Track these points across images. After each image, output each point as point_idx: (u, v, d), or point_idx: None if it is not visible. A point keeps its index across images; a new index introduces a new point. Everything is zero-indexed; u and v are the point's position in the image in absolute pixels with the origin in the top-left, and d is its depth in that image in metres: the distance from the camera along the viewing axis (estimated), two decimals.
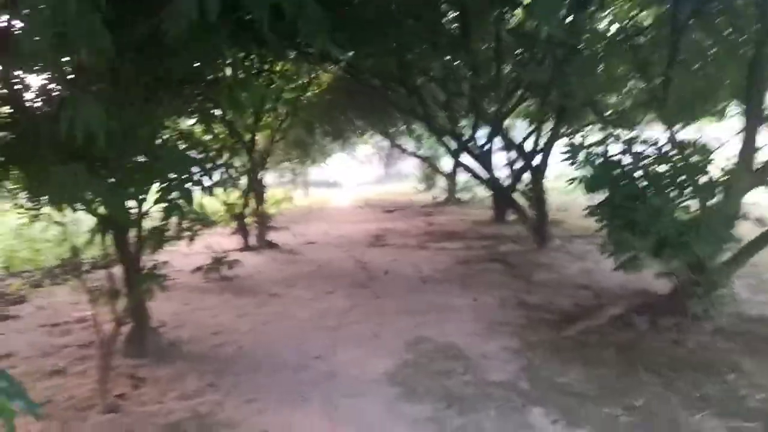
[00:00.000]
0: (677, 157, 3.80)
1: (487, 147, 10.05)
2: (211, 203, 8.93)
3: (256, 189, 10.42)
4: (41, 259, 7.81)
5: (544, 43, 5.60)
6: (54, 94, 3.56)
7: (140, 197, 3.39)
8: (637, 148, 3.91)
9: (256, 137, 10.57)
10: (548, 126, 9.21)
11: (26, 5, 2.22)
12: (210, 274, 7.12)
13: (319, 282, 6.79)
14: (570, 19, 4.75)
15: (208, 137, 9.71)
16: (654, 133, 4.46)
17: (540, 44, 7.33)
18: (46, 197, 2.76)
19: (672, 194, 3.70)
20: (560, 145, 8.16)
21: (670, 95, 4.82)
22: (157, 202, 3.17)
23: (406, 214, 15.81)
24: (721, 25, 5.05)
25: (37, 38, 2.20)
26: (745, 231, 4.22)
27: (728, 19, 4.84)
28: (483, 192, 17.58)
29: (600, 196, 4.06)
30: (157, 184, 3.13)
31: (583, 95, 4.61)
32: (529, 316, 4.88)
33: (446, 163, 21.70)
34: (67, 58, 3.08)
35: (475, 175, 9.48)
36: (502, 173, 9.82)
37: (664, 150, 3.87)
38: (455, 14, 7.78)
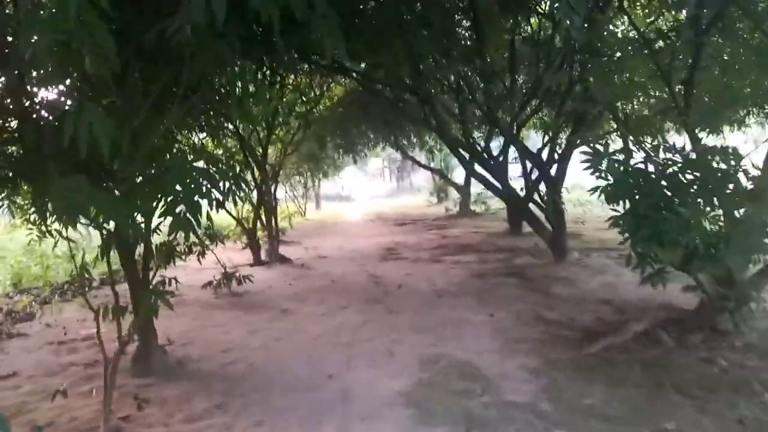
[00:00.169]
0: (705, 164, 3.62)
1: (501, 157, 9.91)
2: (223, 217, 8.88)
3: (268, 203, 10.34)
4: (51, 276, 7.75)
5: (564, 47, 5.48)
6: (59, 104, 3.50)
7: (147, 211, 3.28)
8: (662, 155, 3.74)
9: (268, 151, 10.52)
10: (563, 136, 9.08)
11: (24, 8, 2.14)
12: (220, 289, 7.01)
13: (331, 297, 6.65)
14: (589, 23, 4.61)
15: (219, 151, 9.75)
16: (675, 141, 4.28)
17: (557, 50, 7.22)
18: (50, 211, 2.66)
19: (700, 203, 3.51)
20: (577, 155, 8.09)
21: (692, 102, 4.65)
22: (162, 215, 3.05)
23: (418, 227, 15.68)
24: (744, 30, 4.90)
25: (36, 43, 2.11)
26: None
27: (752, 24, 4.68)
28: (497, 204, 17.45)
29: (621, 207, 3.90)
30: (165, 197, 3.02)
31: (604, 101, 4.45)
32: (549, 332, 4.68)
33: (459, 176, 21.61)
34: (71, 67, 3.01)
35: (490, 187, 9.31)
36: (516, 184, 9.65)
37: (690, 157, 3.70)
38: (468, 23, 7.71)
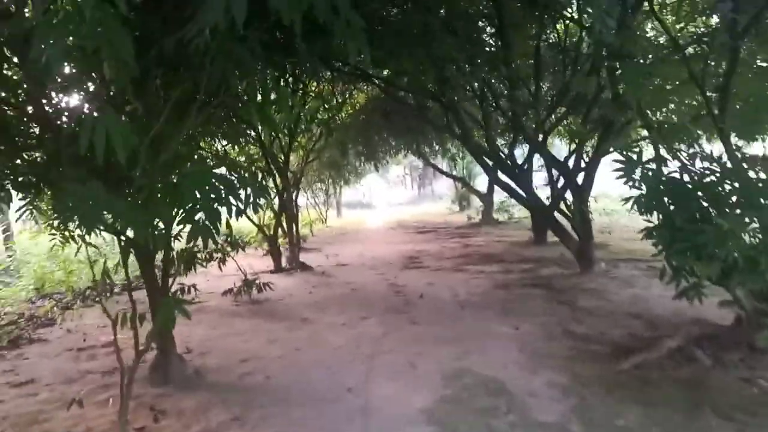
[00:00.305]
0: (744, 174, 3.44)
1: (525, 165, 9.75)
2: (244, 224, 8.86)
3: (289, 210, 10.31)
4: (74, 281, 7.79)
5: (593, 52, 5.34)
6: (79, 111, 3.48)
7: (166, 219, 3.22)
8: (699, 164, 3.57)
9: (290, 158, 10.50)
10: (590, 143, 8.89)
11: (38, 10, 2.09)
12: (240, 296, 6.96)
13: (352, 306, 6.55)
14: (620, 27, 4.46)
15: (242, 158, 9.77)
16: (708, 149, 4.10)
17: (585, 56, 7.07)
18: (68, 217, 2.61)
19: (740, 215, 3.33)
20: (604, 164, 7.89)
21: (727, 109, 4.46)
22: (180, 223, 2.99)
23: (440, 236, 15.52)
24: None
25: (51, 48, 2.05)
26: None
27: None
28: (520, 212, 17.22)
29: (654, 218, 3.73)
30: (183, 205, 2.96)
31: (636, 107, 4.29)
32: (578, 347, 4.50)
33: (481, 184, 21.43)
34: (90, 73, 2.98)
35: (514, 195, 9.15)
36: (540, 193, 9.47)
37: (729, 166, 3.52)
38: (493, 30, 7.61)
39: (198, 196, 2.83)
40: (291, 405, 3.62)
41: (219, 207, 2.98)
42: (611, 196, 17.17)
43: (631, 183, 3.55)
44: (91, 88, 3.37)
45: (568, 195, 8.30)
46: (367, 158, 17.13)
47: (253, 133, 9.05)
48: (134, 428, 3.29)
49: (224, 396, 3.82)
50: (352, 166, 20.29)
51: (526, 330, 5.08)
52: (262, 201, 3.23)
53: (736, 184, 3.35)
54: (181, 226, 3.01)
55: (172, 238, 3.65)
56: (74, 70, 3.04)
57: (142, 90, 3.52)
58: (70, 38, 2.21)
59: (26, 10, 2.98)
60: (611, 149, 7.56)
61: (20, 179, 3.78)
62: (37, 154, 4.10)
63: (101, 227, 2.65)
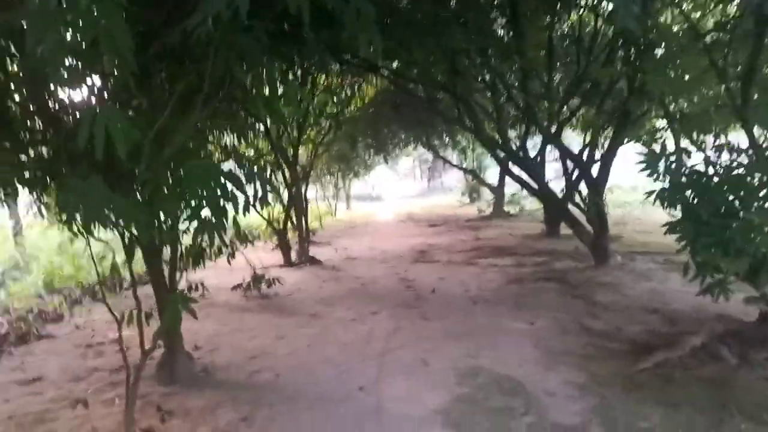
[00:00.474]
0: None
1: (539, 158, 9.60)
2: (253, 217, 8.78)
3: (298, 203, 10.22)
4: (83, 276, 7.74)
5: (611, 41, 5.16)
6: (82, 105, 3.39)
7: (171, 215, 3.13)
8: (725, 156, 3.42)
9: (299, 151, 10.41)
10: (605, 135, 8.72)
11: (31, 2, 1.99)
12: (250, 291, 6.89)
13: (362, 301, 6.45)
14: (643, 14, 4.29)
15: (251, 152, 9.68)
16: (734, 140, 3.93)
17: (602, 45, 6.88)
18: (69, 213, 2.53)
19: None
20: (620, 155, 7.72)
21: (750, 98, 4.28)
22: (186, 220, 2.90)
23: (451, 228, 15.38)
24: None
25: (46, 41, 1.95)
26: None
27: None
28: (532, 205, 17.02)
29: (675, 212, 3.59)
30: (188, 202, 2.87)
31: (658, 96, 4.12)
32: (595, 344, 4.37)
33: (491, 176, 21.24)
34: (90, 67, 2.88)
35: (526, 187, 9.00)
36: (553, 185, 9.31)
37: (757, 158, 3.37)
38: (505, 20, 7.45)
39: (203, 192, 2.74)
40: (300, 405, 3.53)
41: (226, 203, 2.89)
42: (623, 187, 16.95)
43: (655, 177, 3.40)
44: (96, 83, 3.26)
45: (582, 187, 8.13)
46: (377, 151, 17.00)
47: (261, 127, 8.95)
48: (140, 428, 3.22)
49: (233, 395, 3.74)
50: (361, 158, 20.18)
51: (541, 326, 4.96)
52: (270, 196, 3.14)
53: (765, 177, 3.19)
54: (189, 222, 2.93)
55: (181, 234, 3.58)
56: (74, 64, 2.93)
57: (147, 84, 3.43)
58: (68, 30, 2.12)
59: None
60: (627, 140, 7.40)
61: (26, 175, 3.70)
62: (44, 149, 4.03)
63: (103, 224, 2.55)
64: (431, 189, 37.57)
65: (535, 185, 8.65)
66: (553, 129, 8.39)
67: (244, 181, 2.94)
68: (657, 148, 3.45)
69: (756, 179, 3.28)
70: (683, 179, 3.41)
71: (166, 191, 2.95)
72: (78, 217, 2.33)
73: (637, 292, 5.91)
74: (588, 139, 8.96)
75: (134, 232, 3.05)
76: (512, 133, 12.64)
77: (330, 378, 4.00)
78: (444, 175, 33.27)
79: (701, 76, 4.10)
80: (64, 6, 1.99)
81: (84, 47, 2.44)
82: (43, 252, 8.86)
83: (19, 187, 3.69)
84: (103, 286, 7.02)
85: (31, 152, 3.81)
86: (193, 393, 3.78)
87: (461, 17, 6.33)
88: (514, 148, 9.63)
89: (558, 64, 8.76)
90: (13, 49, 3.10)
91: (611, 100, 8.27)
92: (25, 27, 2.26)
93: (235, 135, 8.04)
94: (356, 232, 16.44)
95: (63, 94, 3.52)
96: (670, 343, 3.97)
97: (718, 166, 3.44)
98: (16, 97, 3.51)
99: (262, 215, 8.33)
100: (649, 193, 3.52)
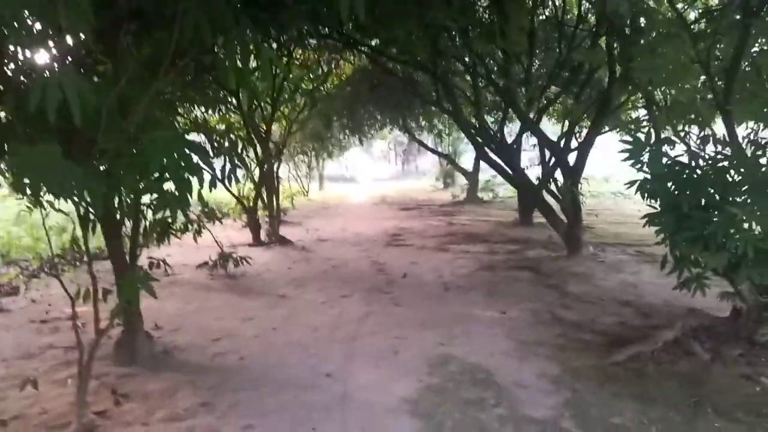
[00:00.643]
0: (756, 160, 3.23)
1: (515, 144, 9.53)
2: (222, 194, 8.51)
3: (269, 181, 9.97)
4: (42, 248, 7.40)
5: (597, 26, 5.05)
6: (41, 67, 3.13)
7: (130, 187, 2.92)
8: (710, 148, 3.35)
9: (272, 128, 10.13)
10: (583, 123, 8.70)
11: None
12: (216, 270, 6.68)
13: (332, 284, 6.31)
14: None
15: (222, 126, 9.36)
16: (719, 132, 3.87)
17: (585, 30, 6.77)
18: (16, 181, 2.32)
19: (751, 203, 3.12)
20: (597, 145, 7.68)
21: (734, 90, 4.22)
22: (146, 192, 2.70)
23: (424, 213, 15.30)
24: None
25: None
26: None
27: None
28: (505, 192, 17.05)
29: (655, 203, 3.52)
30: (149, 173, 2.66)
31: (645, 84, 4.03)
32: (567, 334, 4.32)
33: (466, 161, 21.21)
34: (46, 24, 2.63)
35: (502, 173, 8.92)
36: (530, 173, 9.27)
37: (741, 151, 3.30)
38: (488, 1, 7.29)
39: (166, 163, 2.54)
40: (264, 390, 3.38)
41: (190, 176, 2.69)
42: (596, 177, 17.10)
43: (638, 167, 3.31)
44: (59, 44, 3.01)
45: (558, 175, 8.08)
46: (352, 131, 16.75)
47: (233, 101, 8.66)
48: (93, 412, 3.02)
49: (194, 378, 3.57)
50: (336, 138, 19.91)
51: (514, 315, 4.89)
52: (239, 172, 2.96)
53: (750, 171, 3.13)
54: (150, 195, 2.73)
55: (144, 208, 3.36)
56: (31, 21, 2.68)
57: (112, 48, 3.18)
58: None
59: None
60: (605, 130, 7.35)
61: None
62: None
63: (54, 193, 2.33)
64: (405, 173, 37.43)
65: (510, 171, 8.59)
66: (532, 115, 8.31)
67: (211, 154, 2.74)
68: (641, 137, 3.35)
69: (739, 174, 3.22)
70: (665, 170, 3.33)
71: (125, 162, 2.73)
72: (26, 185, 2.11)
73: (609, 284, 5.90)
74: (566, 128, 8.92)
75: (88, 203, 2.83)
76: (490, 119, 12.56)
77: (297, 363, 3.86)
78: (418, 159, 33.14)
79: (687, 64, 4.00)
80: None
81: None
82: (1, 222, 8.46)
83: None
84: (61, 259, 6.78)
85: None
86: (152, 375, 3.59)
87: None
88: (491, 133, 9.54)
89: (538, 51, 8.66)
90: None
91: (590, 89, 8.22)
92: None
93: (205, 108, 7.75)
94: (329, 213, 16.24)
95: (22, 54, 3.24)
96: (643, 337, 3.93)
97: (701, 159, 3.36)
98: None
99: (231, 192, 8.06)
100: (631, 183, 3.44)
